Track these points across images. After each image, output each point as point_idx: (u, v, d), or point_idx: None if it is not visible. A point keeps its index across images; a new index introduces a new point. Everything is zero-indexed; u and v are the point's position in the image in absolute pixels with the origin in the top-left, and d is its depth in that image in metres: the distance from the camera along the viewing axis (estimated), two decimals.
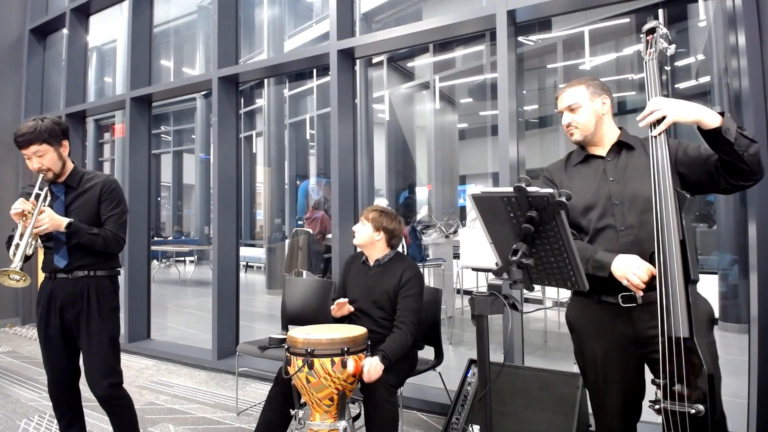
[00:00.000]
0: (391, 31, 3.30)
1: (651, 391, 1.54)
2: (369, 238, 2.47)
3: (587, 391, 1.77)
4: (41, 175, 2.12)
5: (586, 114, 1.72)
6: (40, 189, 2.11)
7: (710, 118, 1.43)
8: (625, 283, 1.50)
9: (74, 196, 2.20)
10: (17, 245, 2.01)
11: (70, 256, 2.14)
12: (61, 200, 2.18)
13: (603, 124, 1.73)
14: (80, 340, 2.17)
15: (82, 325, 2.15)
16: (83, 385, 2.23)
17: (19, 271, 1.96)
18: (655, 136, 1.50)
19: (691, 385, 1.37)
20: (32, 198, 2.07)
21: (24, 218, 2.01)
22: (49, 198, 2.16)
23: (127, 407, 2.24)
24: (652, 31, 1.60)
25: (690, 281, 1.42)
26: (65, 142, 2.19)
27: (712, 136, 1.44)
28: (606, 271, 1.53)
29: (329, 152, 3.54)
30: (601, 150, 1.74)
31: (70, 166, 2.23)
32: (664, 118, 1.47)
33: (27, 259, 2.07)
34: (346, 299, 2.43)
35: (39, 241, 2.14)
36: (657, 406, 1.43)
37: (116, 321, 2.24)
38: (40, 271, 2.28)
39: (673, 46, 1.59)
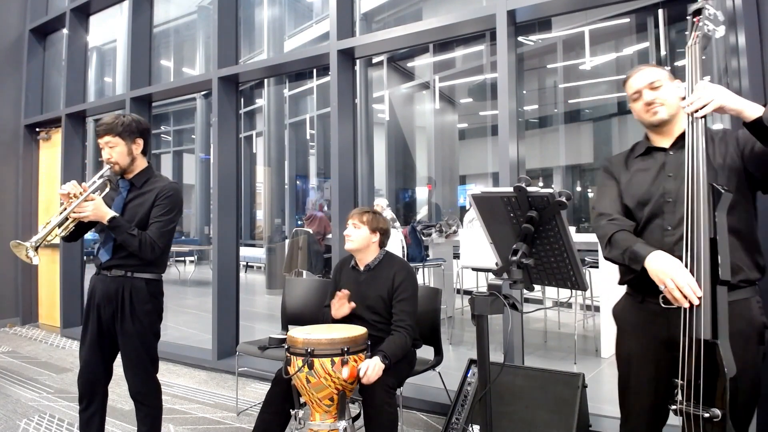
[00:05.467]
0: (391, 31, 3.30)
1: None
2: (366, 241, 2.40)
3: (617, 388, 1.71)
4: (108, 166, 2.17)
5: (670, 91, 1.59)
6: (99, 177, 2.16)
7: (752, 109, 1.37)
8: (662, 288, 1.39)
9: (135, 194, 2.21)
10: (48, 222, 2.02)
11: (114, 252, 2.15)
12: (122, 196, 2.20)
13: (679, 111, 1.59)
14: (118, 339, 2.19)
15: (117, 325, 2.16)
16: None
17: (33, 247, 1.97)
18: (695, 120, 1.40)
19: (709, 388, 1.32)
20: (86, 184, 2.10)
21: (69, 200, 2.03)
22: (107, 189, 2.19)
23: (154, 408, 2.24)
24: (698, 12, 1.48)
25: (719, 282, 1.34)
26: (139, 140, 2.22)
27: (756, 128, 1.38)
28: (640, 264, 1.45)
29: (329, 152, 3.54)
30: (667, 141, 1.63)
31: (141, 165, 2.25)
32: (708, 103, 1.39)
33: (70, 238, 2.16)
34: (347, 292, 2.35)
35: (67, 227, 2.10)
36: (674, 407, 1.39)
37: (150, 324, 2.21)
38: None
39: (722, 27, 1.47)
